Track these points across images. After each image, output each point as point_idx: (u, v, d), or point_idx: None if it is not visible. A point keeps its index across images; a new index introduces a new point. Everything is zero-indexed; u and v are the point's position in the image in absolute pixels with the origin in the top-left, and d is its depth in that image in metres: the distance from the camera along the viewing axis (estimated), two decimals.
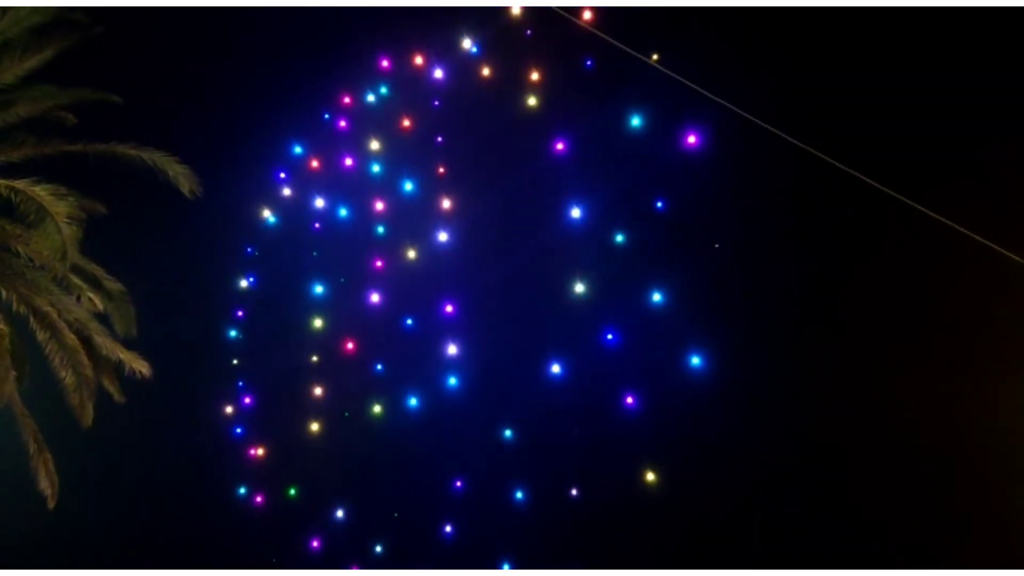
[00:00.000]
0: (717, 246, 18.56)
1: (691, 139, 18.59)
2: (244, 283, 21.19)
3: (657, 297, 18.43)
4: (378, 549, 19.50)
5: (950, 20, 16.66)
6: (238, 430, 20.63)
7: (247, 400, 20.81)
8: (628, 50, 15.36)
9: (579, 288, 18.83)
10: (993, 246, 12.07)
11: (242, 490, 20.15)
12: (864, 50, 17.66)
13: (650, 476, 17.83)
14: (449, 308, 19.88)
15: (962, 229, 12.23)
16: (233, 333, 21.02)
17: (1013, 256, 12.09)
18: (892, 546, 16.83)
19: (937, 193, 12.96)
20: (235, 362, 20.77)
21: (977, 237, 12.11)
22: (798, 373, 17.63)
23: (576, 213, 19.14)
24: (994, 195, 16.53)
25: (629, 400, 18.30)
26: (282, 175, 21.46)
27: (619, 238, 19.03)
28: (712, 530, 17.56)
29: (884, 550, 16.76)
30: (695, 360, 17.97)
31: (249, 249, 21.34)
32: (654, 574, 17.08)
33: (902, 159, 16.17)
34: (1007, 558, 15.78)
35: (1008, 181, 16.77)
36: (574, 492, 18.46)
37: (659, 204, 18.81)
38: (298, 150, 21.45)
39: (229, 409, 20.65)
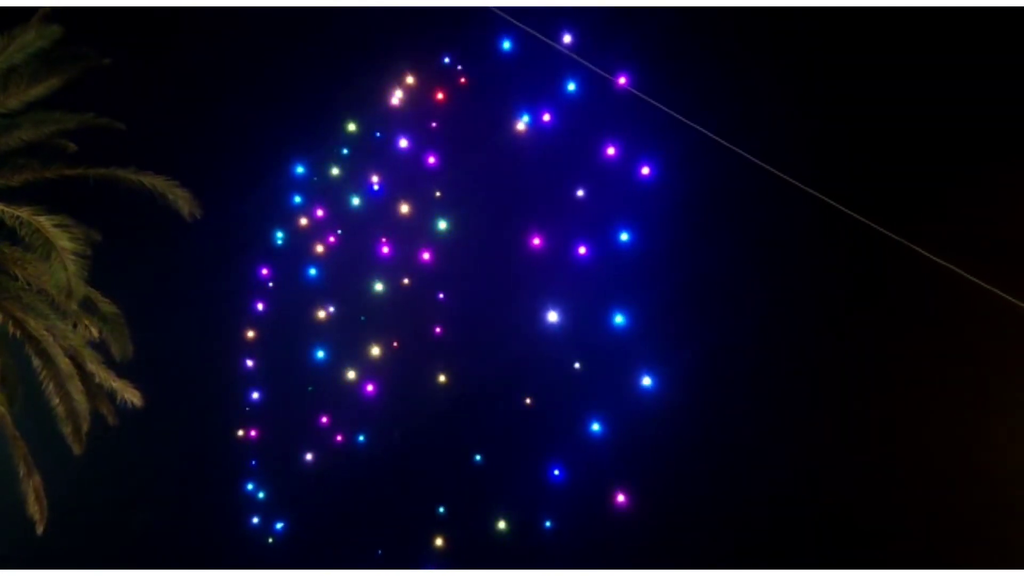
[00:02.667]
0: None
1: (644, 170, 18.92)
2: (258, 307, 21.45)
3: (620, 319, 18.68)
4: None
5: (944, 40, 16.69)
6: (253, 463, 20.74)
7: (253, 432, 20.97)
8: (602, 73, 15.68)
9: (552, 316, 19.12)
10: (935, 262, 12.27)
11: (245, 518, 20.23)
12: (847, 74, 17.71)
13: (620, 498, 18.13)
14: (438, 329, 20.13)
15: (926, 253, 12.46)
16: (238, 360, 21.17)
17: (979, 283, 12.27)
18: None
19: (902, 217, 13.18)
20: (255, 395, 20.95)
21: (932, 258, 12.35)
22: (766, 395, 17.95)
23: (537, 242, 19.49)
24: (965, 221, 16.72)
25: (595, 427, 18.58)
26: (296, 198, 21.73)
27: (586, 259, 19.30)
28: (686, 551, 17.87)
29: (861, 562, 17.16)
30: (646, 381, 18.22)
31: (264, 270, 21.56)
32: (653, 574, 17.31)
33: (874, 186, 16.40)
34: None
35: (996, 211, 17.04)
36: (547, 521, 18.76)
37: (625, 233, 19.05)
38: (300, 169, 21.68)
39: (229, 431, 20.77)
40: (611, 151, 19.22)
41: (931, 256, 12.49)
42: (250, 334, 21.36)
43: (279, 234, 21.77)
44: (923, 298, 16.75)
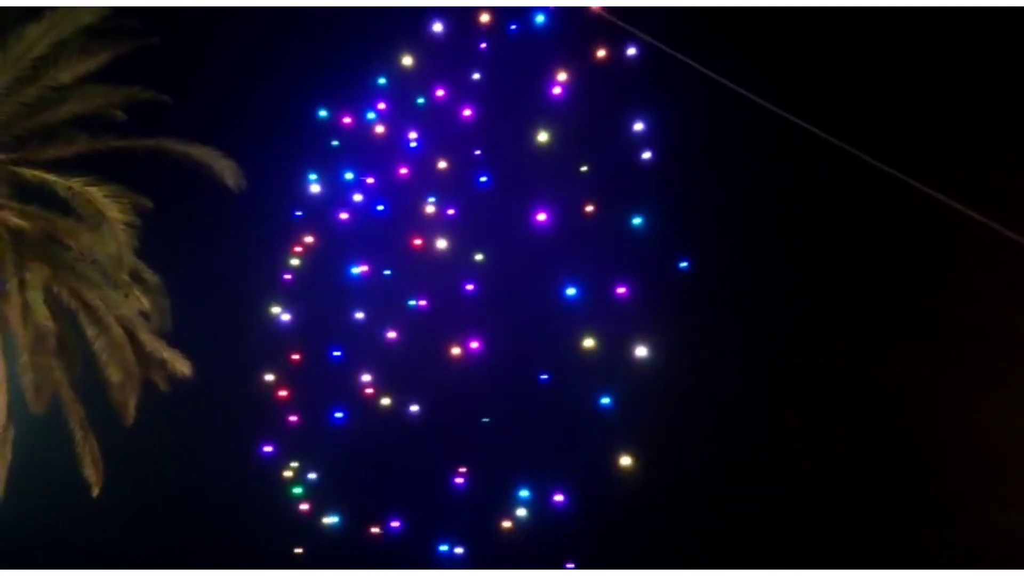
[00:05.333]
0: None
1: (646, 155, 19.16)
2: (291, 264, 21.64)
3: (622, 290, 19.11)
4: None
5: None
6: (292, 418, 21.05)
7: (284, 391, 21.29)
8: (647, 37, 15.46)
9: (570, 291, 19.51)
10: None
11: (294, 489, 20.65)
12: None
13: (625, 460, 18.52)
14: (470, 287, 20.45)
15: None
16: (277, 310, 21.39)
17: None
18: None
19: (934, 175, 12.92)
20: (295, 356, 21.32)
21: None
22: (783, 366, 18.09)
23: (542, 217, 19.87)
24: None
25: (605, 400, 18.91)
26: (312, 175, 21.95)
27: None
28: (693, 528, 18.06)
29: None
30: (641, 351, 18.59)
31: (297, 214, 21.69)
32: (655, 574, 17.43)
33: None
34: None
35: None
36: (558, 497, 18.98)
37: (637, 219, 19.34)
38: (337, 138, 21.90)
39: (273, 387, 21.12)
40: (639, 126, 19.34)
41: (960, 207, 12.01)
42: (287, 276, 21.56)
43: (313, 180, 21.86)
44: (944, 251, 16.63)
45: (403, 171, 21.57)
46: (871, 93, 18.12)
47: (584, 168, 19.93)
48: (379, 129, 21.82)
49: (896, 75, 17.94)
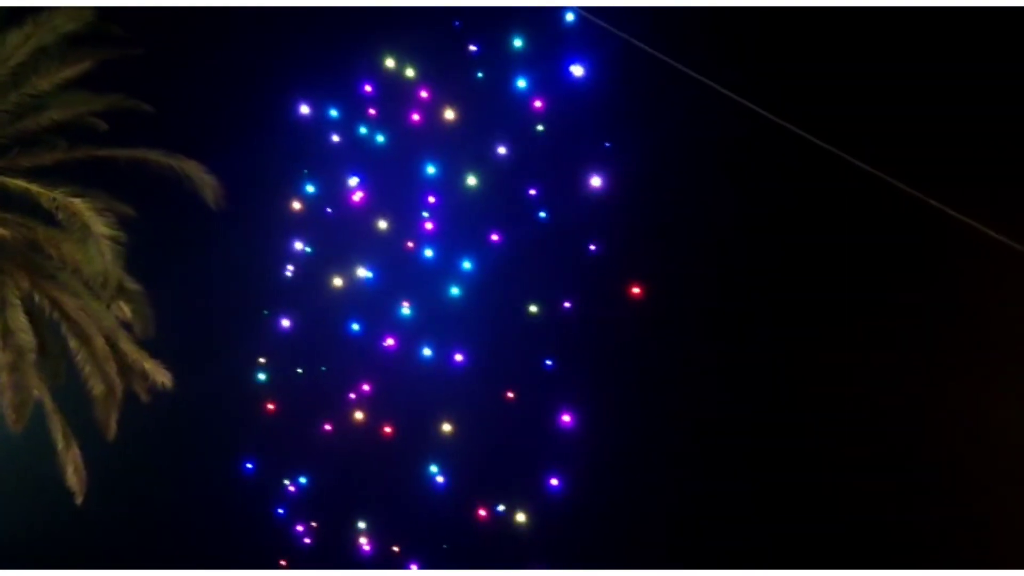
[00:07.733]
0: None
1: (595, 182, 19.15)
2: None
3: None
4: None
5: None
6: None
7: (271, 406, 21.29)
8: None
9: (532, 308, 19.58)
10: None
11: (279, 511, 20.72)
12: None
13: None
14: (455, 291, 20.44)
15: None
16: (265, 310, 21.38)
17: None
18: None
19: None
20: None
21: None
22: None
23: (495, 238, 19.96)
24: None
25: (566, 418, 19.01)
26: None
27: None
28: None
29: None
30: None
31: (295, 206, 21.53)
32: (655, 574, 17.61)
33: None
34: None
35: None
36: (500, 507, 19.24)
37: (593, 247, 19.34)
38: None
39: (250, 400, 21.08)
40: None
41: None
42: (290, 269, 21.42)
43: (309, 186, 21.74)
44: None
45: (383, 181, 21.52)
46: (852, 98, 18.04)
47: (533, 191, 19.88)
48: (364, 135, 21.71)
49: (889, 79, 17.82)
